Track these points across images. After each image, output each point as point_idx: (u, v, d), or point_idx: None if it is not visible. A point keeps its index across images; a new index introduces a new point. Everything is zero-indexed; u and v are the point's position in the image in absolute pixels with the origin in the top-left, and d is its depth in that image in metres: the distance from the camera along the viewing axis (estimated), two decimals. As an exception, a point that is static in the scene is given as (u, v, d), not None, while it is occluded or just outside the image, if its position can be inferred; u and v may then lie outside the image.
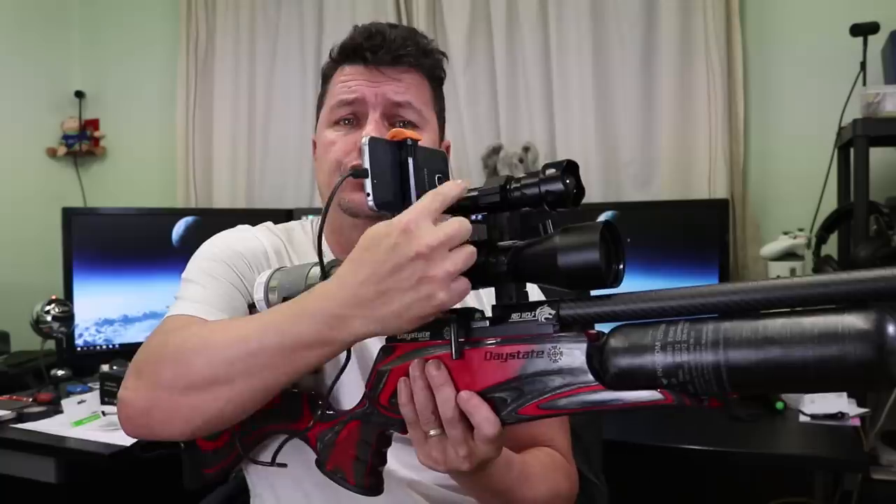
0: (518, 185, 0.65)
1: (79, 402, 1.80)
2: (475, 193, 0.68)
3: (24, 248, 2.77)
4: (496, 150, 2.39)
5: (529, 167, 2.33)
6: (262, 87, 2.81)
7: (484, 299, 1.03)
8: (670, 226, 2.07)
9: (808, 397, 1.76)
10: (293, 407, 0.86)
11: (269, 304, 0.80)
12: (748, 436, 1.67)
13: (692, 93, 2.27)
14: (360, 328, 0.66)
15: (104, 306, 2.26)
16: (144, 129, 3.05)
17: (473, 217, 0.68)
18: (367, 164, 0.70)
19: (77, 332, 2.20)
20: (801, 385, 0.52)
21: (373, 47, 0.97)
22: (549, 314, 0.63)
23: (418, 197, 0.70)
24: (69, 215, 2.25)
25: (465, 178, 2.48)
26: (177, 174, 2.91)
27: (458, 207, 0.67)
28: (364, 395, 0.78)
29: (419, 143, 0.74)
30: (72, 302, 2.16)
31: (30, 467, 1.72)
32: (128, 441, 1.60)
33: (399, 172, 0.72)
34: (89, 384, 2.06)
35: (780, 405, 1.80)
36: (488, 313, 0.69)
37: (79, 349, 2.22)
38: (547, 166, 0.64)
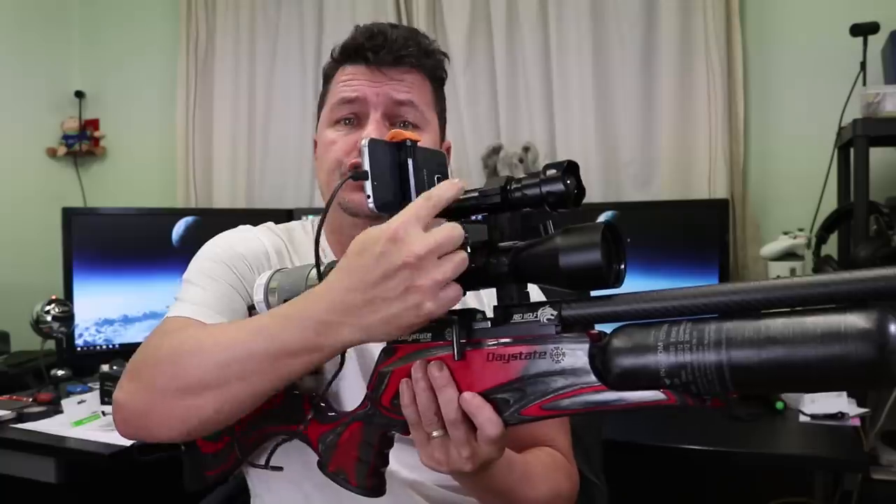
0: (519, 185, 0.65)
1: (79, 402, 1.80)
2: (475, 194, 0.67)
3: (24, 248, 2.77)
4: (496, 150, 2.39)
5: (529, 167, 2.33)
6: (262, 87, 2.81)
7: (485, 300, 1.03)
8: (670, 226, 2.07)
9: (808, 397, 1.76)
10: (295, 409, 0.86)
11: (269, 306, 0.80)
12: (748, 436, 1.67)
13: (692, 93, 2.27)
14: (348, 335, 0.67)
15: (104, 306, 2.26)
16: (144, 129, 3.05)
17: (473, 217, 0.68)
18: (366, 166, 0.70)
19: (77, 332, 2.20)
20: (803, 384, 0.53)
21: (375, 47, 0.97)
22: (551, 315, 0.63)
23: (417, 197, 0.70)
24: (69, 215, 2.25)
25: (464, 178, 2.50)
26: (177, 174, 2.91)
27: (457, 208, 0.67)
28: (366, 397, 0.78)
29: (418, 143, 0.74)
30: (72, 302, 2.16)
31: (30, 467, 1.72)
32: (128, 441, 1.60)
33: (399, 173, 0.72)
34: (89, 384, 2.06)
35: (780, 405, 1.80)
36: (489, 314, 0.69)
37: (79, 349, 2.22)
38: (548, 167, 0.64)
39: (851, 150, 1.84)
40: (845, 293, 0.51)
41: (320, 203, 2.62)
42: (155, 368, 0.79)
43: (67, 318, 2.10)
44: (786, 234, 2.01)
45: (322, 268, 0.75)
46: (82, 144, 3.04)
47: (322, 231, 0.80)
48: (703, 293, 0.56)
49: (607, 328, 0.61)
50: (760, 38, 2.25)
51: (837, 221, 1.94)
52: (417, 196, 0.70)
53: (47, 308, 2.06)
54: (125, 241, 2.30)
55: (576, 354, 0.61)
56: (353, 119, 0.99)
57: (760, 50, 2.25)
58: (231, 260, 0.97)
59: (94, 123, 3.09)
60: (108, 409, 1.77)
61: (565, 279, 0.61)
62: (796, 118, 2.21)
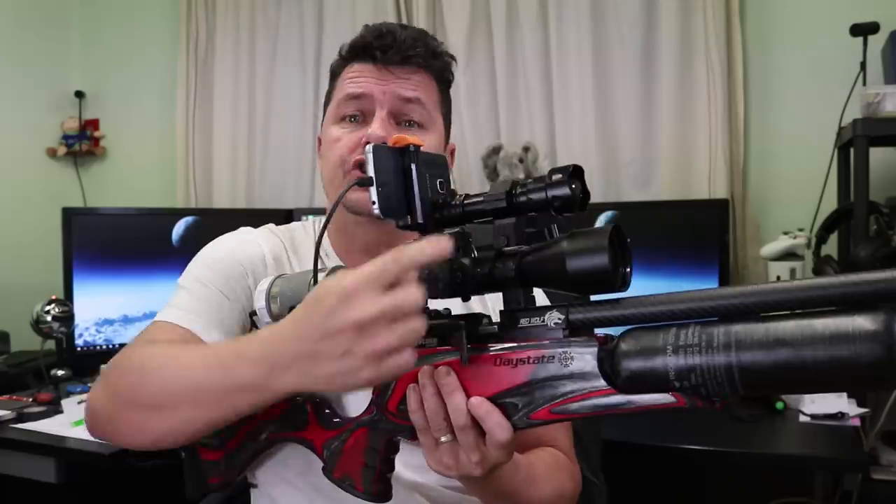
0: (525, 190, 0.66)
1: (79, 402, 1.81)
2: (481, 199, 0.68)
3: (24, 249, 2.77)
4: (496, 150, 2.39)
5: (529, 167, 2.33)
6: (262, 87, 2.81)
7: (489, 304, 1.03)
8: (670, 226, 2.07)
9: (808, 397, 1.77)
10: (299, 415, 0.86)
11: (270, 313, 0.80)
12: (748, 436, 1.67)
13: (692, 93, 2.27)
14: (293, 382, 0.65)
15: (104, 306, 2.26)
16: (144, 129, 3.04)
17: (477, 221, 0.69)
18: (371, 173, 0.70)
19: (77, 332, 2.20)
20: (812, 385, 0.54)
21: (383, 46, 0.97)
22: (559, 319, 0.63)
23: (422, 202, 0.70)
24: (69, 215, 2.25)
25: (464, 178, 2.49)
26: (177, 174, 2.91)
27: (463, 213, 0.67)
28: (371, 402, 0.78)
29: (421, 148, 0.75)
30: (72, 302, 2.16)
31: (30, 467, 1.72)
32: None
33: (403, 179, 0.73)
34: (89, 384, 2.06)
35: (780, 405, 1.80)
36: (494, 318, 0.69)
37: (79, 349, 2.22)
38: (553, 171, 0.65)
39: (851, 150, 1.84)
40: (855, 295, 0.51)
41: (320, 203, 2.62)
42: (121, 378, 0.82)
43: (67, 318, 2.09)
44: (786, 234, 2.01)
45: (325, 273, 0.75)
46: (82, 144, 3.04)
47: (325, 232, 0.80)
48: (711, 296, 0.57)
49: (613, 332, 0.62)
50: (760, 39, 2.25)
51: (837, 221, 1.94)
52: (421, 200, 0.70)
53: (47, 308, 2.06)
54: (125, 241, 2.30)
55: (584, 358, 0.61)
56: (359, 116, 0.99)
57: (760, 50, 2.25)
58: (227, 265, 0.97)
59: (94, 123, 3.08)
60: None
61: (572, 283, 0.61)
62: (796, 118, 2.22)
